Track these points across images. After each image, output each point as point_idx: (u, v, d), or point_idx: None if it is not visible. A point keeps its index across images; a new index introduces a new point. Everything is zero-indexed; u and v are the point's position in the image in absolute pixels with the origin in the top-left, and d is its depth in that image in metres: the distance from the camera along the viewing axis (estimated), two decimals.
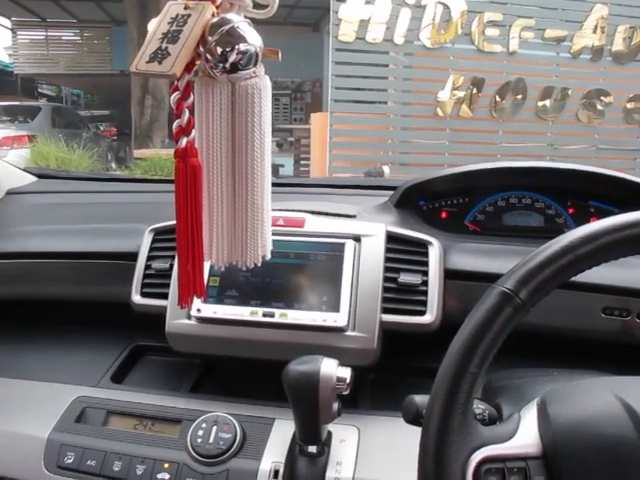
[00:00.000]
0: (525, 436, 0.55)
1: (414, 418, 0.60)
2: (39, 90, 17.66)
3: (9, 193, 1.39)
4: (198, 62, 0.52)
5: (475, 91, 6.55)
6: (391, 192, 1.17)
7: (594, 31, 6.71)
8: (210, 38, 0.51)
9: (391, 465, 0.80)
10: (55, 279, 1.11)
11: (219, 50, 0.51)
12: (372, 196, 1.26)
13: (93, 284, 1.10)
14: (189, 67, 0.51)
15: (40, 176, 1.54)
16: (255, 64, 0.53)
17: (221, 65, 0.51)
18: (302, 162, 8.48)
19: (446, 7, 6.33)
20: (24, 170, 1.53)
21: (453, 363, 0.53)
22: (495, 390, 0.75)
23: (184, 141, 0.52)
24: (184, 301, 0.57)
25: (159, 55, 0.49)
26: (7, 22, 14.61)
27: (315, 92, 13.31)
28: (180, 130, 0.52)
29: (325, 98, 7.55)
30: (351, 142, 6.64)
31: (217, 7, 0.52)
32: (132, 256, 1.03)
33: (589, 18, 6.66)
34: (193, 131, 0.53)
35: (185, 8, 0.52)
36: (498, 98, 6.60)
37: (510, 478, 0.52)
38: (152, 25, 0.52)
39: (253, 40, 0.52)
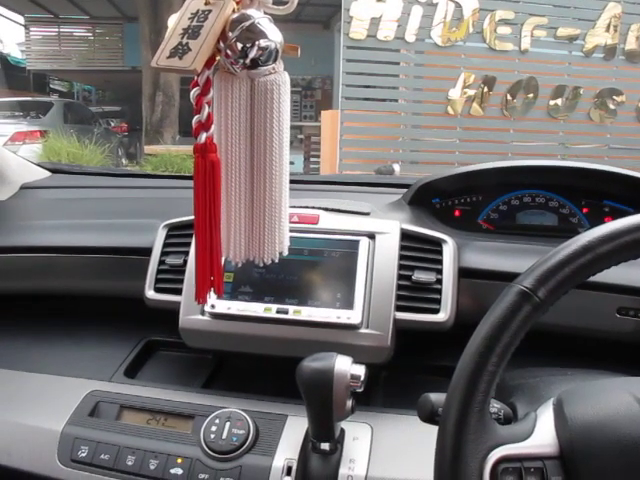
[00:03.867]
0: (542, 436, 0.55)
1: (429, 416, 0.60)
2: (51, 86, 17.71)
3: (23, 188, 1.40)
4: (218, 58, 0.53)
5: (486, 89, 6.51)
6: (402, 190, 1.17)
7: (607, 30, 6.65)
8: (231, 34, 0.51)
9: (404, 463, 0.80)
10: (68, 273, 1.12)
11: (239, 46, 0.51)
12: (383, 194, 1.26)
13: (106, 279, 1.11)
14: (209, 63, 0.51)
15: (54, 171, 1.55)
16: (275, 60, 0.53)
17: (241, 61, 0.51)
18: (312, 159, 8.47)
19: (458, 5, 6.30)
20: (38, 165, 1.54)
21: (471, 361, 0.53)
22: (509, 389, 0.75)
23: (203, 136, 0.52)
24: (201, 296, 0.57)
25: (180, 50, 0.49)
26: (20, 18, 14.68)
27: (325, 89, 13.30)
28: (199, 126, 0.52)
29: (336, 95, 7.54)
30: (361, 140, 6.63)
31: (238, 3, 0.52)
32: (146, 251, 1.03)
33: (602, 16, 6.61)
34: (212, 127, 0.53)
35: (206, 4, 0.52)
36: (509, 97, 6.56)
37: (527, 478, 0.52)
38: (172, 20, 0.52)
39: (273, 36, 0.52)
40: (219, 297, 0.91)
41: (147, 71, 9.32)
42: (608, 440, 0.52)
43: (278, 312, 0.90)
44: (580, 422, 0.54)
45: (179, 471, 0.81)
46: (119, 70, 14.41)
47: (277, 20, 0.55)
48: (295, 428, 0.85)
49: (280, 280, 0.93)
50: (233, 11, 0.51)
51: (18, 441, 0.89)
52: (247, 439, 0.82)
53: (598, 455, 0.52)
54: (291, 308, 0.90)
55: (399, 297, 0.91)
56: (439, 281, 0.92)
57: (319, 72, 12.85)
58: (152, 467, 0.82)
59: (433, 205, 1.14)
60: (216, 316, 0.93)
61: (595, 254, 0.53)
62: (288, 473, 0.79)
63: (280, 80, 0.55)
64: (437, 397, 0.60)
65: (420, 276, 0.92)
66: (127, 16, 13.64)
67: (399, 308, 0.90)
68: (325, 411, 0.74)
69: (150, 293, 0.99)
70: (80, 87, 18.51)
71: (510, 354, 0.54)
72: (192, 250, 0.96)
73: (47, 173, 1.52)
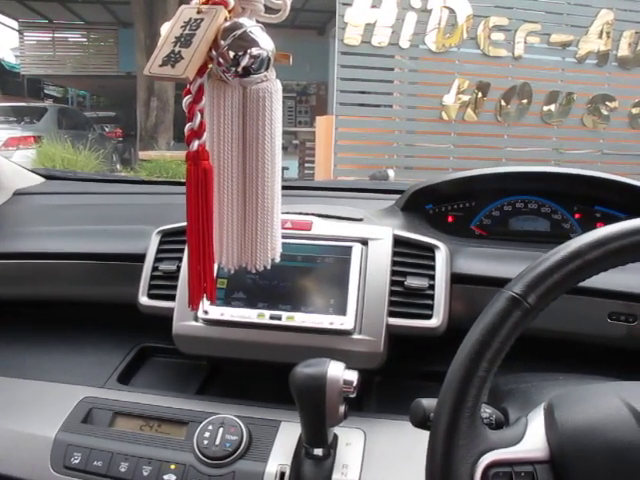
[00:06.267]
0: (532, 440, 0.55)
1: (421, 421, 0.60)
2: (45, 91, 17.71)
3: (17, 194, 1.39)
4: (210, 66, 0.53)
5: (480, 95, 6.54)
6: (396, 196, 1.17)
7: (600, 36, 6.70)
8: (223, 42, 0.51)
9: (397, 468, 0.80)
10: (62, 280, 1.12)
11: (231, 54, 0.51)
12: (377, 199, 1.26)
13: (100, 285, 1.10)
14: (201, 71, 0.51)
15: (47, 177, 1.54)
16: (267, 68, 0.53)
17: (233, 69, 0.52)
18: (307, 165, 8.48)
19: (452, 11, 6.33)
20: (31, 171, 1.54)
21: (461, 367, 0.53)
22: (501, 394, 0.75)
23: (196, 144, 0.53)
24: (194, 303, 0.57)
25: (172, 58, 0.50)
26: (14, 23, 14.68)
27: (320, 95, 13.34)
28: (192, 133, 0.53)
29: (330, 101, 7.55)
30: (356, 145, 6.64)
31: (230, 11, 0.52)
32: (139, 257, 1.03)
33: (595, 23, 6.65)
34: (205, 134, 0.53)
35: (198, 12, 0.52)
36: (503, 102, 6.58)
37: None
38: (165, 29, 0.53)
39: (265, 45, 0.52)
40: (212, 303, 0.91)
41: (142, 76, 9.29)
42: (598, 444, 0.52)
43: (271, 318, 0.90)
44: (570, 426, 0.54)
45: (172, 477, 0.81)
46: (114, 75, 14.43)
47: (272, 26, 0.56)
48: (288, 434, 0.85)
49: (273, 286, 0.93)
50: (225, 20, 0.52)
51: (10, 448, 0.89)
52: (240, 445, 0.82)
53: (588, 459, 0.52)
54: (284, 314, 0.90)
55: (392, 303, 0.91)
56: (432, 287, 0.92)
57: (314, 78, 12.90)
58: (145, 473, 0.82)
59: (426, 211, 1.14)
60: (210, 322, 0.93)
61: (584, 260, 0.54)
62: (281, 479, 0.79)
63: (272, 88, 0.56)
64: (429, 402, 0.60)
65: (413, 282, 0.92)
66: (122, 21, 13.67)
67: (392, 314, 0.90)
68: (318, 417, 0.74)
69: (143, 299, 0.99)
70: (74, 92, 18.53)
71: (500, 359, 0.54)
72: (186, 256, 0.96)
73: (41, 179, 1.52)
